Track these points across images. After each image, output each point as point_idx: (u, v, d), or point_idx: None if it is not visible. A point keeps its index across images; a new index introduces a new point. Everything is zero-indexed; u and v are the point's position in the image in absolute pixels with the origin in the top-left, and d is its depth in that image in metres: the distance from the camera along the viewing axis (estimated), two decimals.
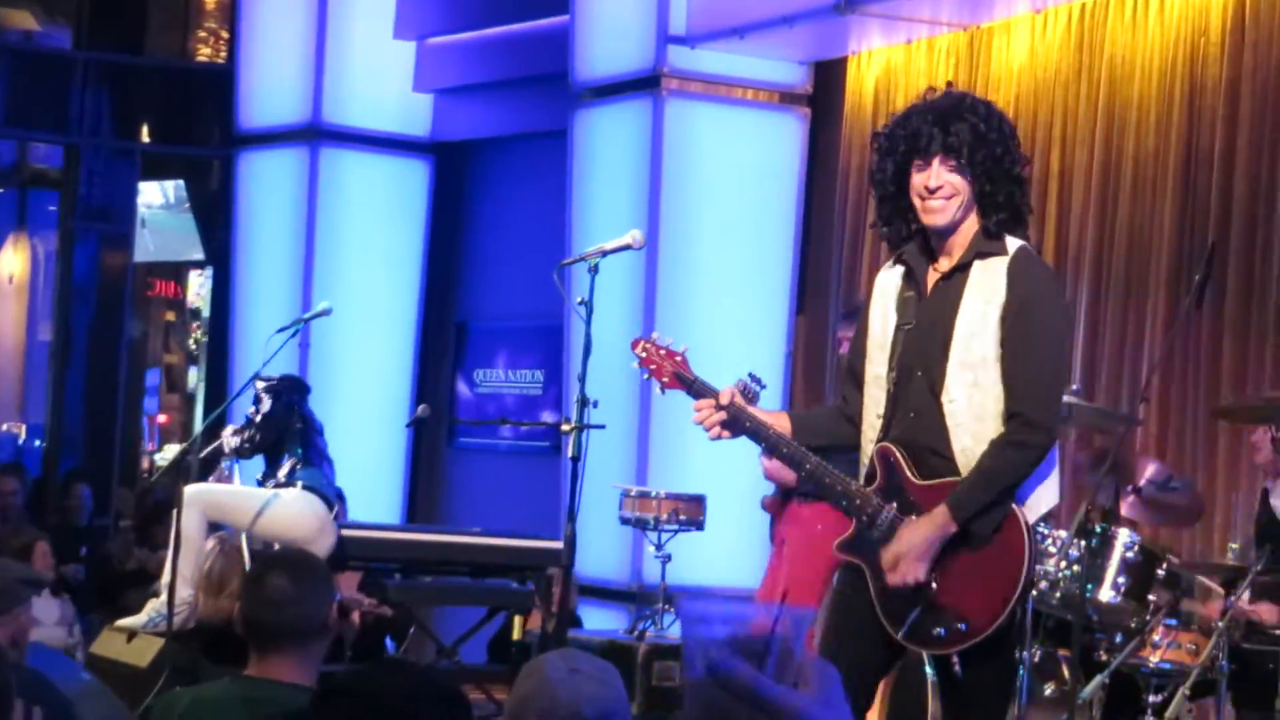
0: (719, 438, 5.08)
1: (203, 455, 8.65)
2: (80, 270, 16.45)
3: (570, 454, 6.57)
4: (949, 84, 5.14)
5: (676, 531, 9.25)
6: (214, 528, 8.42)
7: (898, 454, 4.92)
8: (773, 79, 11.12)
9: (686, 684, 2.18)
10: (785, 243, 11.12)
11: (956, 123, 4.87)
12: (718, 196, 10.94)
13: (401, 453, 13.36)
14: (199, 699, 4.41)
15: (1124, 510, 7.87)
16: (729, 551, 10.46)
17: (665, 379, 5.13)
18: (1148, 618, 7.30)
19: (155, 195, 17.31)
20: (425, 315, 13.54)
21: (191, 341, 18.23)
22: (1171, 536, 8.54)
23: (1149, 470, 7.87)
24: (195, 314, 18.13)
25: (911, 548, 4.84)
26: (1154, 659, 7.25)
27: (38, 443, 17.50)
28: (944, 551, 4.85)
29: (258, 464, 8.73)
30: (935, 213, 4.90)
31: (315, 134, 13.09)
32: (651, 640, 9.09)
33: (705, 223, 10.90)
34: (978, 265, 4.92)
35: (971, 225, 4.94)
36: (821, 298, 11.13)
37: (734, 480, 10.33)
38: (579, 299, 6.66)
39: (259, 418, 8.56)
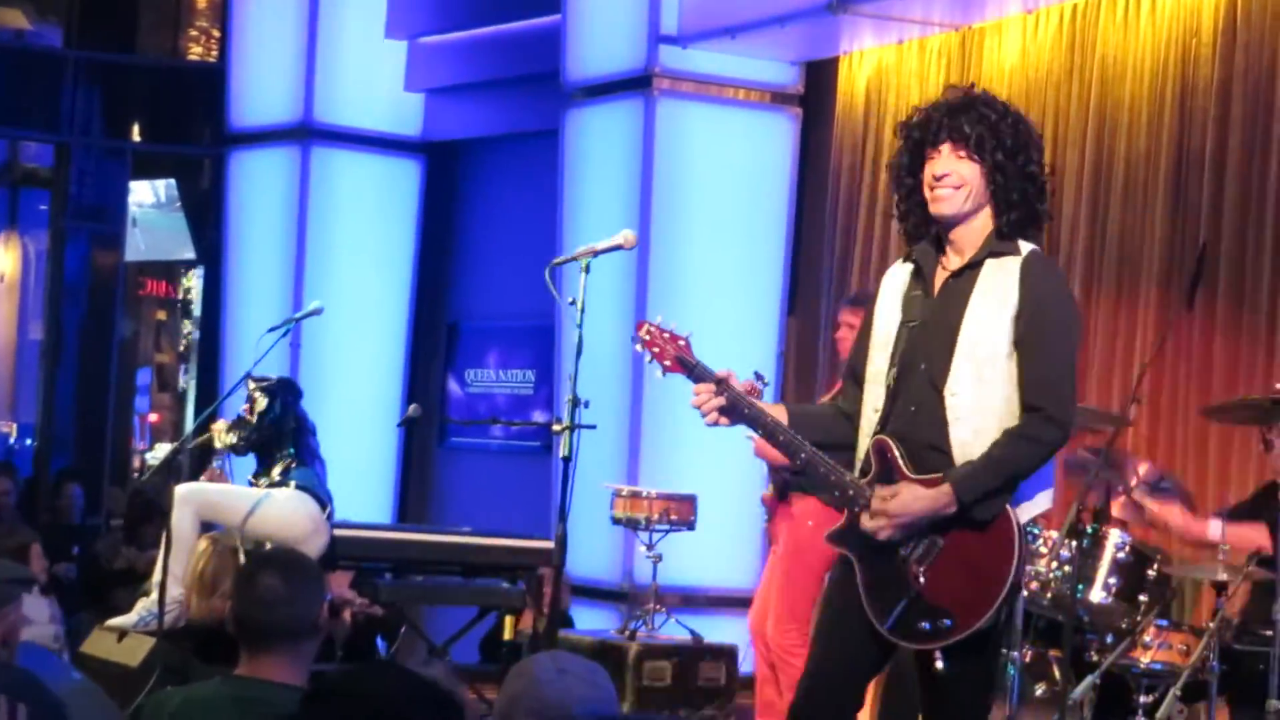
0: (716, 424, 5.07)
1: (193, 445, 8.65)
2: (71, 269, 16.45)
3: (561, 454, 6.56)
4: (970, 84, 5.16)
5: (668, 531, 9.26)
6: (206, 527, 8.41)
7: (893, 447, 4.92)
8: (764, 79, 11.12)
9: None
10: (777, 242, 11.12)
11: (967, 113, 4.92)
12: (709, 196, 10.94)
13: (393, 452, 13.36)
14: (190, 699, 4.40)
15: (1115, 511, 7.87)
16: (720, 551, 10.47)
17: (667, 362, 5.13)
18: (1139, 618, 7.30)
19: (146, 194, 17.30)
20: (416, 315, 13.54)
21: (183, 341, 18.22)
22: (1162, 537, 8.55)
23: (1140, 470, 7.87)
24: (187, 312, 18.12)
25: (904, 508, 4.84)
26: (1145, 659, 7.24)
27: (29, 442, 17.49)
28: (935, 546, 4.85)
29: (249, 463, 8.73)
30: (942, 201, 4.93)
31: (306, 133, 13.09)
32: (643, 640, 9.10)
33: (697, 222, 10.90)
34: (990, 264, 4.93)
35: (985, 224, 4.96)
36: (813, 297, 11.14)
37: (725, 480, 10.34)
38: (570, 299, 6.65)
39: (255, 416, 8.56)
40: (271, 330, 8.44)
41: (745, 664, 9.06)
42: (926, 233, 5.04)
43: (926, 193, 4.96)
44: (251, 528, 8.34)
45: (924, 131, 4.97)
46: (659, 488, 9.62)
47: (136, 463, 17.52)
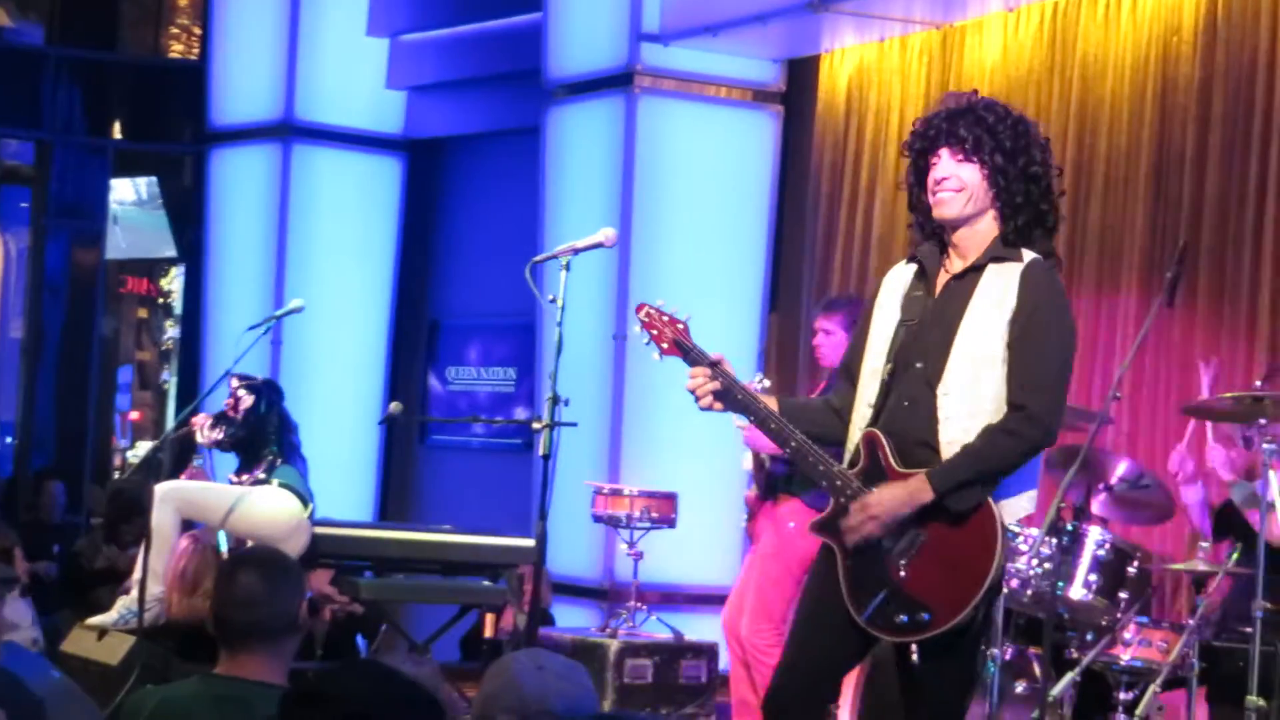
0: (709, 408, 5.10)
1: (174, 439, 8.63)
2: (52, 267, 16.39)
3: (542, 451, 6.57)
4: (973, 91, 5.21)
5: (649, 529, 9.27)
6: (187, 525, 8.40)
7: (883, 441, 4.94)
8: (746, 77, 11.13)
9: None
10: (758, 240, 11.13)
11: (965, 117, 4.98)
12: (690, 194, 10.94)
13: (374, 450, 13.36)
14: (169, 697, 4.39)
15: (1095, 508, 7.89)
16: (701, 549, 10.47)
17: (665, 345, 5.16)
18: (1119, 615, 7.32)
19: (127, 192, 17.25)
20: (398, 312, 13.53)
21: (164, 339, 18.19)
22: (1143, 534, 8.56)
23: (1120, 468, 7.89)
24: (168, 310, 18.08)
25: (879, 503, 4.88)
26: (1125, 656, 7.26)
27: (9, 440, 17.44)
28: (918, 539, 4.86)
29: (230, 460, 8.71)
30: (943, 204, 4.98)
31: (288, 131, 13.07)
32: (623, 638, 9.10)
33: (678, 220, 10.91)
34: (992, 268, 4.96)
35: (990, 229, 4.99)
36: (794, 295, 11.14)
37: (706, 478, 10.35)
38: (551, 297, 6.66)
39: (240, 414, 8.55)
40: (252, 328, 8.42)
41: (724, 662, 9.07)
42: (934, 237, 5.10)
43: (929, 198, 5.00)
44: (233, 525, 8.34)
45: (925, 140, 5.03)
46: (640, 485, 9.63)
47: (117, 461, 17.47)
